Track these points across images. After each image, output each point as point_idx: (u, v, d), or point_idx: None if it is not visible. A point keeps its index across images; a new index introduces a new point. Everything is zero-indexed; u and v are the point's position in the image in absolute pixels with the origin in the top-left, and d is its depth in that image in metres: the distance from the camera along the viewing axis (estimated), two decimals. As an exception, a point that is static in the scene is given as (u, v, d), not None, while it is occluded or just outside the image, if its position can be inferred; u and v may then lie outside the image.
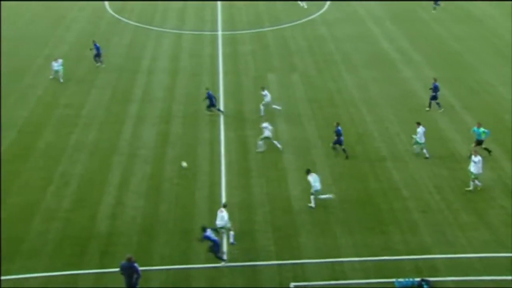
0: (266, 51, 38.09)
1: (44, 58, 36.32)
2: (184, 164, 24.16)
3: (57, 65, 32.64)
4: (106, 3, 47.52)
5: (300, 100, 31.13)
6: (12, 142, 26.72)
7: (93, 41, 35.66)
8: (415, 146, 25.47)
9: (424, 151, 25.23)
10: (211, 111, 29.07)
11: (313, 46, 38.80)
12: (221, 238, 20.04)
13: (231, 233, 20.32)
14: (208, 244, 19.11)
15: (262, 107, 29.06)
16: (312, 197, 22.02)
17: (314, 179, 21.84)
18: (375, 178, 24.03)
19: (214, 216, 21.52)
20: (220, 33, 41.38)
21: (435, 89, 29.13)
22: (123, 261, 17.46)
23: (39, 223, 21.19)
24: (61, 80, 32.55)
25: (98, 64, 35.23)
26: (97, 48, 35.05)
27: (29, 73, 34.02)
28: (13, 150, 26.10)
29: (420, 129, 24.99)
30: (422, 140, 25.03)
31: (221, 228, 20.07)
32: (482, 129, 24.65)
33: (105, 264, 19.14)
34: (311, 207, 22.03)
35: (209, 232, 19.20)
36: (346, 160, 25.11)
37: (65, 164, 24.95)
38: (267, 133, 25.58)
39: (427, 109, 29.45)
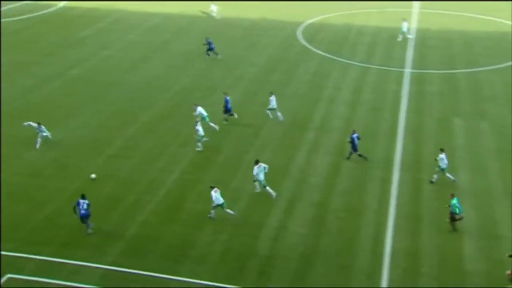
0: (455, 94, 35.76)
1: (234, 79, 38.68)
2: (93, 176, 25.98)
3: (199, 110, 30.59)
4: (299, 32, 49.38)
5: (487, 149, 28.51)
6: (196, 153, 28.49)
7: (206, 38, 42.29)
8: (437, 175, 25.31)
9: (448, 175, 25.23)
10: (231, 115, 31.28)
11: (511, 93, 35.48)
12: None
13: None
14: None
15: (268, 112, 31.75)
16: (212, 211, 22.83)
17: (217, 195, 22.62)
18: None
19: (377, 257, 20.65)
20: (408, 70, 40.01)
21: None
22: None
23: (208, 233, 22.22)
24: (199, 129, 28.56)
25: (213, 56, 41.21)
26: (209, 43, 41.58)
27: (218, 91, 35.58)
28: (197, 160, 27.89)
29: (443, 155, 25.10)
30: (444, 165, 25.03)
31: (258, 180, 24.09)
32: (454, 201, 21.63)
33: (261, 283, 19.35)
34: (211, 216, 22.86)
35: (80, 202, 21.68)
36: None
37: (238, 180, 25.95)
38: (201, 132, 28.28)
39: None
